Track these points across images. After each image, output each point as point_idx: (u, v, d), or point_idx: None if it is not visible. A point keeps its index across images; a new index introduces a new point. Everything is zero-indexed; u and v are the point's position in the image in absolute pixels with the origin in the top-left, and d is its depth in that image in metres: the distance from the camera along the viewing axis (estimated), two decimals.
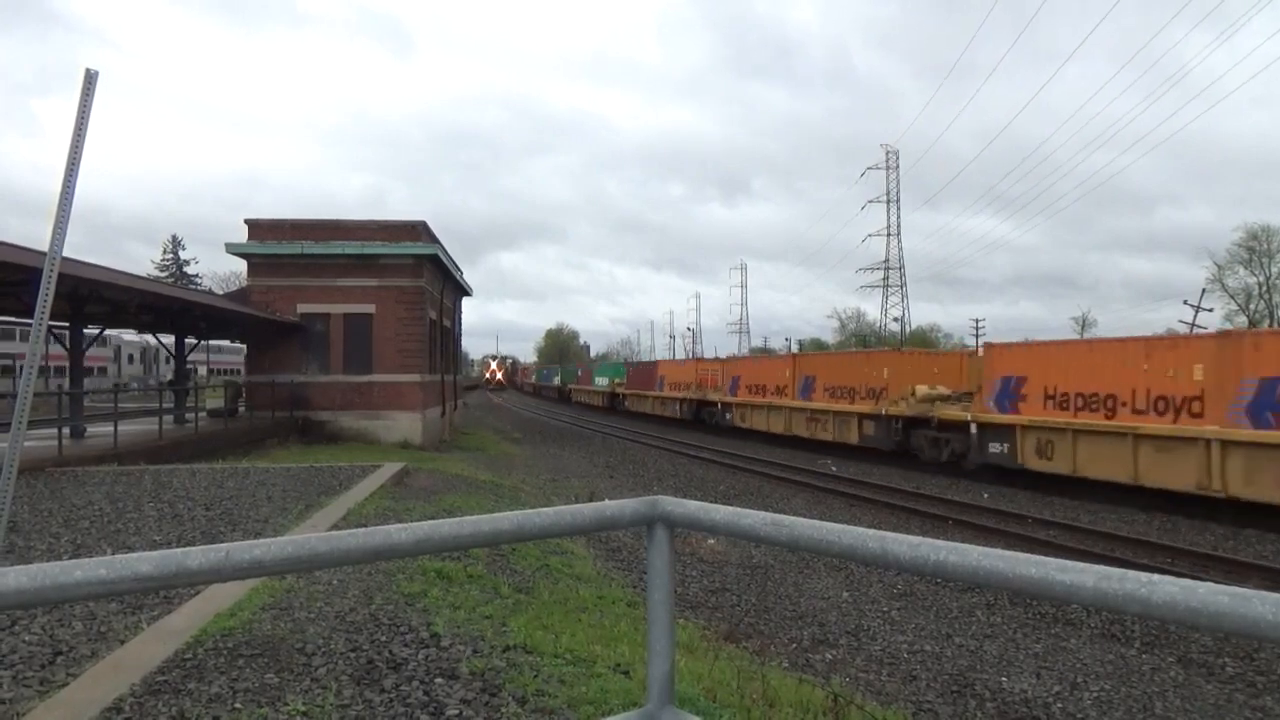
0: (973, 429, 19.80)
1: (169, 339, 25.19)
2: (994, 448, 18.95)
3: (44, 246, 4.54)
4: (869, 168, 56.66)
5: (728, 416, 33.92)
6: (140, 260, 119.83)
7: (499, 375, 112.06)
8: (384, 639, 5.19)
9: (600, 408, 55.89)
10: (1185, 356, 15.38)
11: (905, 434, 22.25)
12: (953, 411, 20.75)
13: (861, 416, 24.31)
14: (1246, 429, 13.85)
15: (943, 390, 22.31)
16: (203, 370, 55.22)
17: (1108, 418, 16.49)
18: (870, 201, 56.41)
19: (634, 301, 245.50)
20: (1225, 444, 13.99)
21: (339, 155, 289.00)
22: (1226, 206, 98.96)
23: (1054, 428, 17.38)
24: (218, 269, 75.68)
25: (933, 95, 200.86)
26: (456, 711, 4.14)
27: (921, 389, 22.29)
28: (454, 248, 29.17)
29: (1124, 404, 16.23)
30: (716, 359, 40.31)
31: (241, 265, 27.64)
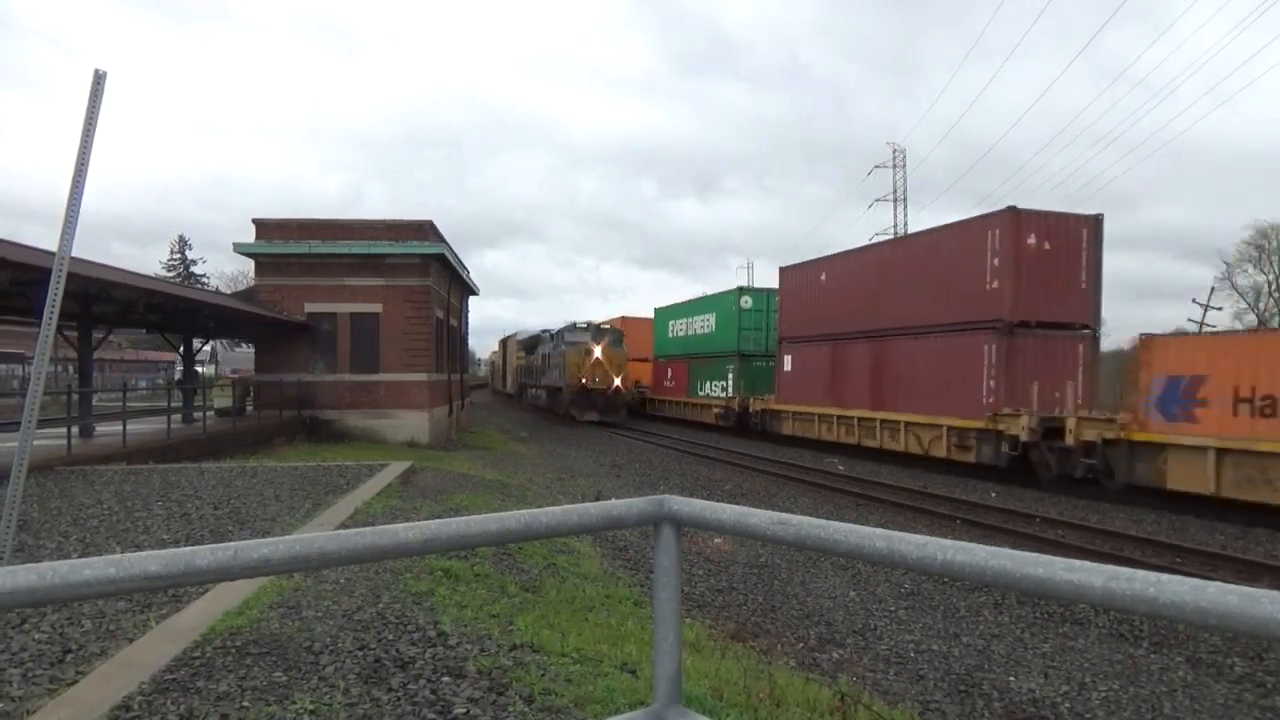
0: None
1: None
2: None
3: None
4: (876, 166, 56.25)
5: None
6: (127, 259, 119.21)
7: (615, 379, 38.30)
8: (391, 637, 5.20)
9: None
10: None
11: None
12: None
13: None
14: None
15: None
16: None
17: None
18: (877, 200, 56.14)
19: (626, 300, 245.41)
20: None
21: (313, 156, 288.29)
22: (1221, 204, 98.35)
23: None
24: (224, 269, 75.82)
25: (931, 104, 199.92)
26: (464, 710, 4.14)
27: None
28: None
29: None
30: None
31: (246, 265, 27.74)
